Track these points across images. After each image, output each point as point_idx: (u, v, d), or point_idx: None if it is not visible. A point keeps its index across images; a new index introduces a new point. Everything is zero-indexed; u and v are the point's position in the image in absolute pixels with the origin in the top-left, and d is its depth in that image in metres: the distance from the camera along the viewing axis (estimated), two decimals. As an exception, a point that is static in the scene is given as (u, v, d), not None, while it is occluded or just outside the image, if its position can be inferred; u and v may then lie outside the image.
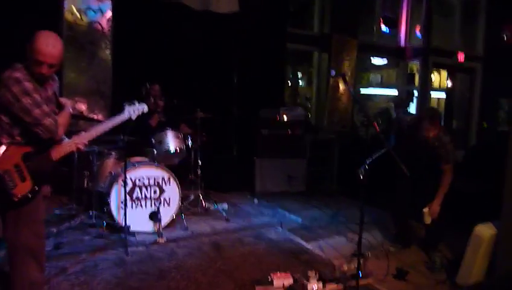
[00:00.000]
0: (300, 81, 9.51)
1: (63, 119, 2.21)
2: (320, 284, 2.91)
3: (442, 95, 9.97)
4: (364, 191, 2.78)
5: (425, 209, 3.52)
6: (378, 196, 4.42)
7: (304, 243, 3.85)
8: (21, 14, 4.31)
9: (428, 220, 3.53)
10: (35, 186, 2.09)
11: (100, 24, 5.41)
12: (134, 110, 2.67)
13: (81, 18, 5.26)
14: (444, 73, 9.71)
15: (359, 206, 2.80)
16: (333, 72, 2.98)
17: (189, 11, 5.68)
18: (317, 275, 3.00)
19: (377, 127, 2.66)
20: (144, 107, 2.75)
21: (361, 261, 3.29)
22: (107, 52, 5.50)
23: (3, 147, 2.01)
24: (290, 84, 8.95)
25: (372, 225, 4.35)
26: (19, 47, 2.22)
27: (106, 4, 5.39)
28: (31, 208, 2.13)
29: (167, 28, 5.59)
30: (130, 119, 2.66)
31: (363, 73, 9.59)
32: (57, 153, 2.19)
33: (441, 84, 9.93)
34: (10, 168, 2.00)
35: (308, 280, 2.92)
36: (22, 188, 2.04)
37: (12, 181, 2.00)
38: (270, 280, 2.94)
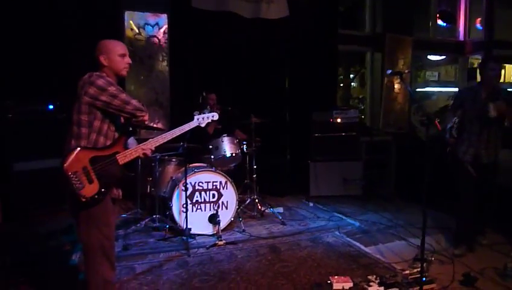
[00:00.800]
0: (353, 82, 9.36)
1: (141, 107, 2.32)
2: (382, 289, 2.85)
3: (508, 89, 9.31)
4: (427, 193, 2.70)
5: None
6: (439, 199, 4.26)
7: (362, 247, 3.78)
8: (84, 35, 4.62)
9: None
10: (102, 189, 2.20)
11: (157, 37, 5.70)
12: (203, 118, 2.74)
13: (140, 33, 5.58)
14: (510, 67, 9.08)
15: (420, 210, 2.71)
16: (389, 71, 2.92)
17: (240, 19, 5.84)
18: (378, 279, 2.95)
19: (439, 126, 2.56)
20: (214, 115, 2.80)
21: (425, 266, 3.19)
22: (164, 64, 5.79)
23: (78, 149, 2.15)
24: (342, 86, 8.84)
25: (434, 229, 4.19)
26: (85, 64, 2.38)
27: (162, 18, 5.69)
28: (100, 211, 2.24)
29: (220, 37, 5.76)
30: (199, 126, 2.73)
31: (418, 71, 9.23)
32: (123, 157, 2.28)
33: (506, 79, 9.29)
34: (78, 170, 2.13)
35: (368, 284, 2.88)
36: (90, 189, 2.16)
37: (81, 182, 2.13)
38: (329, 283, 2.93)
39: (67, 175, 2.10)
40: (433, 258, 3.43)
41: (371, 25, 7.29)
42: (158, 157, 4.22)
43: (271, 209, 4.72)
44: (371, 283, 2.90)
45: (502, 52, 7.98)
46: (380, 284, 2.89)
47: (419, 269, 2.89)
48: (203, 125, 2.77)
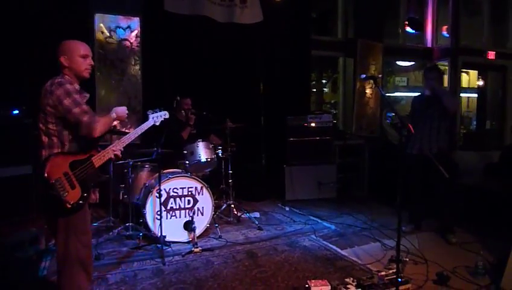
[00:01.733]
0: (325, 87, 9.48)
1: (104, 119, 2.31)
2: (359, 291, 2.87)
3: (474, 95, 9.69)
4: (401, 195, 2.74)
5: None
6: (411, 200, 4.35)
7: (338, 250, 3.80)
8: (53, 36, 4.50)
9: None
10: (84, 193, 2.18)
11: (129, 41, 5.59)
12: (157, 116, 2.86)
13: (111, 36, 5.45)
14: (474, 73, 9.45)
15: (393, 211, 2.76)
16: (363, 76, 2.97)
17: (214, 23, 5.81)
18: (355, 281, 2.97)
19: (412, 128, 2.62)
20: (165, 114, 2.92)
21: (400, 267, 3.24)
22: (137, 67, 5.68)
23: (55, 155, 2.13)
24: (315, 91, 8.94)
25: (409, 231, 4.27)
26: (52, 68, 2.35)
27: (134, 21, 5.58)
28: (79, 218, 2.22)
29: (193, 41, 5.72)
30: (154, 125, 2.85)
31: (388, 76, 9.46)
32: (98, 160, 2.30)
33: (472, 84, 9.66)
34: (60, 176, 2.08)
35: (346, 287, 2.89)
36: (73, 195, 2.12)
37: (64, 189, 2.08)
38: (307, 287, 2.92)
39: (51, 183, 2.04)
40: (407, 259, 3.51)
41: (343, 31, 7.41)
42: (131, 163, 4.11)
43: (247, 214, 4.69)
44: (349, 286, 2.90)
45: (467, 59, 8.30)
46: (357, 287, 2.90)
47: (394, 270, 2.93)
48: (157, 123, 2.87)
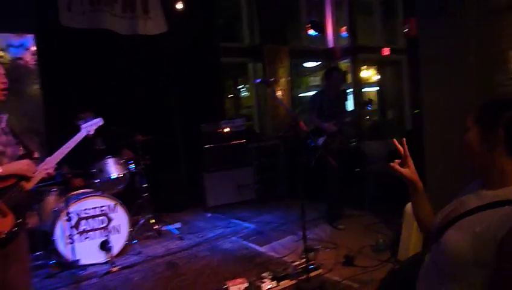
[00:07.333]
0: (242, 91, 9.69)
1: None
2: (274, 283, 3.02)
3: (375, 89, 10.57)
4: (303, 189, 2.96)
5: None
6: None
7: (257, 247, 3.95)
8: None
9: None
10: (19, 219, 2.05)
11: (24, 59, 5.25)
12: (91, 125, 2.71)
13: (1, 56, 5.08)
14: (373, 68, 10.32)
15: (308, 205, 2.96)
16: (258, 80, 3.15)
17: (118, 36, 5.67)
18: (271, 275, 3.12)
19: (303, 126, 2.84)
20: (99, 120, 2.77)
21: (313, 255, 3.48)
22: (36, 87, 5.34)
23: None
24: (233, 96, 9.11)
25: (320, 220, 4.56)
26: None
27: (28, 38, 5.25)
28: (17, 245, 2.09)
29: (97, 55, 5.51)
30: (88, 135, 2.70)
31: (303, 78, 9.95)
32: (28, 183, 2.16)
33: (372, 79, 10.52)
34: None
35: (262, 281, 3.02)
36: (6, 223, 1.99)
37: None
38: (225, 287, 3.01)
39: None
40: (320, 247, 3.77)
41: (249, 37, 7.67)
42: (34, 189, 3.86)
43: (167, 226, 4.65)
44: (264, 280, 3.05)
45: (364, 56, 9.05)
46: (272, 279, 3.06)
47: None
48: (91, 133, 2.72)
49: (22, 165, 2.13)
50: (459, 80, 3.04)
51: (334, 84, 4.53)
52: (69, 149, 2.46)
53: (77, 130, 2.64)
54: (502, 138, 1.21)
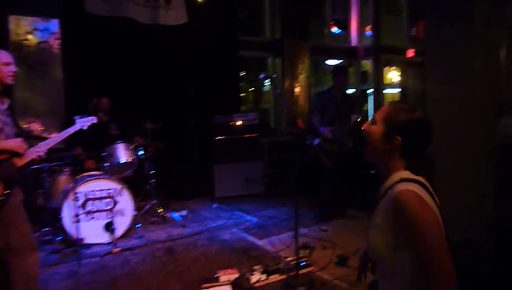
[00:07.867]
0: (263, 85, 9.69)
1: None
2: (264, 276, 3.06)
3: (397, 90, 10.37)
4: (295, 187, 2.97)
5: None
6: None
7: (256, 240, 4.01)
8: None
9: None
10: (8, 190, 2.29)
11: (48, 43, 5.46)
12: (84, 121, 2.97)
13: (27, 39, 5.30)
14: (397, 69, 10.12)
15: (313, 203, 2.96)
16: (262, 75, 3.19)
17: (139, 25, 5.80)
18: (262, 268, 3.16)
19: (301, 124, 2.85)
20: (92, 119, 3.03)
21: (308, 252, 3.50)
22: (58, 70, 5.55)
23: None
24: (253, 89, 9.15)
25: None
26: None
27: (53, 23, 5.45)
28: (13, 211, 2.35)
29: (118, 42, 5.65)
30: (81, 130, 2.94)
31: (326, 75, 9.87)
32: (20, 160, 2.38)
33: (388, 81, 10.32)
34: None
35: (252, 274, 3.07)
36: None
37: None
38: (216, 276, 3.08)
39: None
40: (317, 245, 3.79)
41: (270, 32, 7.66)
42: (46, 168, 4.06)
43: (171, 213, 4.77)
44: (255, 272, 3.09)
45: (387, 56, 8.89)
46: (262, 272, 3.09)
47: (301, 255, 3.18)
48: (85, 128, 2.98)
49: (14, 143, 2.35)
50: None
51: (338, 85, 4.59)
52: (61, 139, 2.70)
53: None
54: (399, 146, 1.35)
